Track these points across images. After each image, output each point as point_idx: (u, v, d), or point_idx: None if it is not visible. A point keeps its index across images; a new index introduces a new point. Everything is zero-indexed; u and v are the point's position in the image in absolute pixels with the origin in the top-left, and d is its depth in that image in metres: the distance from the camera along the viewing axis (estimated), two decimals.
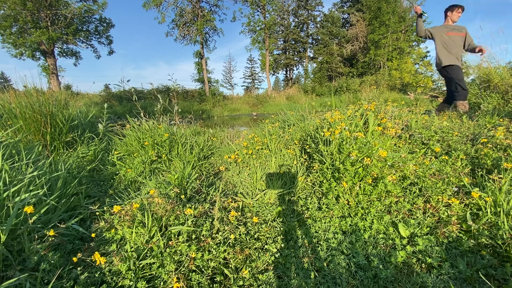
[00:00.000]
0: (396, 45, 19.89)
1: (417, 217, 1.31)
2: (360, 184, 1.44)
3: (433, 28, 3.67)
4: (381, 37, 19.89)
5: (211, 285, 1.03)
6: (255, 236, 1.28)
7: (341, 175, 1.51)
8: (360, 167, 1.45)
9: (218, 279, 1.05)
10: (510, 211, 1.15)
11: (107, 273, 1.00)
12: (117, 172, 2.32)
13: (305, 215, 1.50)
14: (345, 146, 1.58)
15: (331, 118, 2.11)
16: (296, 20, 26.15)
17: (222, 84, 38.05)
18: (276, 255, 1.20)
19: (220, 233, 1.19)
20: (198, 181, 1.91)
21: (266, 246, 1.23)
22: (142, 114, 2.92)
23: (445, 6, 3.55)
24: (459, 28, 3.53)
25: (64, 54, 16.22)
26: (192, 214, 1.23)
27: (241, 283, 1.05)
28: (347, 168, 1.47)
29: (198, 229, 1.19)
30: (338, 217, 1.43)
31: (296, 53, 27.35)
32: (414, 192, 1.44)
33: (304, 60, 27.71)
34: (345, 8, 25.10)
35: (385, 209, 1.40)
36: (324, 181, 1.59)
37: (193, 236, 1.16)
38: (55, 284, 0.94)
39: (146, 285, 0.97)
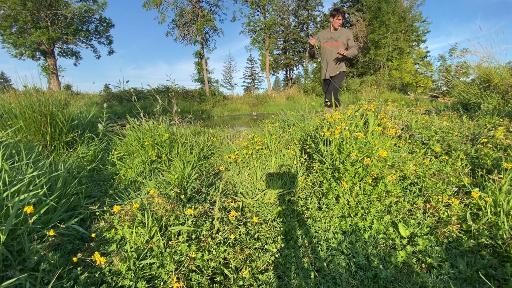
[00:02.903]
0: (396, 45, 19.89)
1: (417, 217, 1.31)
2: (360, 184, 1.44)
3: (317, 36, 3.52)
4: (381, 37, 19.88)
5: (211, 285, 1.03)
6: (255, 236, 1.28)
7: (341, 175, 1.51)
8: (360, 167, 1.45)
9: (218, 279, 1.05)
10: (510, 211, 1.15)
11: (107, 273, 1.00)
12: (117, 172, 2.32)
13: (305, 215, 1.50)
14: (345, 146, 1.58)
15: (331, 118, 2.11)
16: (296, 20, 26.15)
17: (222, 84, 38.09)
18: (276, 255, 1.20)
19: (220, 233, 1.19)
20: (198, 181, 1.91)
21: (266, 246, 1.23)
22: (142, 114, 2.92)
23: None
24: (336, 37, 3.35)
25: (64, 54, 16.23)
26: (192, 214, 1.23)
27: (241, 283, 1.05)
28: (347, 168, 1.47)
29: (198, 229, 1.19)
30: (338, 217, 1.43)
31: (296, 53, 27.34)
32: (414, 192, 1.44)
33: (304, 60, 27.70)
34: (345, 8, 25.08)
35: (385, 209, 1.40)
36: (324, 181, 1.59)
37: (193, 236, 1.16)
38: (55, 284, 0.94)
39: (146, 285, 0.97)
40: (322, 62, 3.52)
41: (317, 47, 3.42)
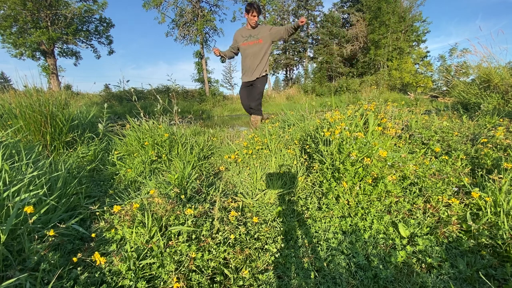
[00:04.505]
0: (396, 45, 19.90)
1: (417, 217, 1.31)
2: (360, 184, 1.44)
3: (234, 35, 3.20)
4: (381, 37, 19.90)
5: (211, 285, 1.03)
6: (255, 236, 1.28)
7: (341, 175, 1.51)
8: (360, 167, 1.45)
9: (218, 279, 1.05)
10: (510, 211, 1.15)
11: (107, 273, 1.00)
12: (117, 172, 2.32)
13: (305, 215, 1.50)
14: (345, 146, 1.58)
15: (331, 118, 2.11)
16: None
17: (222, 84, 38.01)
18: (276, 255, 1.20)
19: (220, 233, 1.19)
20: (198, 181, 1.91)
21: (266, 246, 1.23)
22: (142, 114, 2.92)
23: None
24: (255, 34, 3.01)
25: (64, 54, 16.24)
26: (192, 214, 1.23)
27: (241, 283, 1.05)
28: (347, 168, 1.47)
29: (198, 229, 1.19)
30: (338, 217, 1.43)
31: (296, 53, 27.34)
32: (414, 192, 1.44)
33: (304, 60, 27.72)
34: (345, 8, 25.11)
35: (385, 209, 1.40)
36: (324, 181, 1.59)
37: (193, 236, 1.16)
38: (55, 284, 0.94)
39: (146, 285, 0.97)
40: (244, 62, 3.16)
41: (222, 57, 3.17)
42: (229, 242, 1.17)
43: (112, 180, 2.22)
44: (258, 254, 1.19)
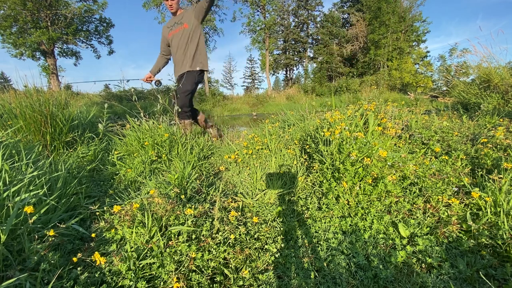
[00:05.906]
0: (396, 45, 19.91)
1: (417, 217, 1.31)
2: (360, 184, 1.44)
3: (162, 31, 2.88)
4: (381, 37, 19.90)
5: (211, 285, 1.03)
6: (255, 236, 1.28)
7: (341, 175, 1.51)
8: (360, 167, 1.45)
9: (218, 279, 1.05)
10: (510, 211, 1.15)
11: (107, 273, 1.00)
12: (117, 172, 2.32)
13: (305, 215, 1.50)
14: (345, 146, 1.58)
15: (331, 118, 2.11)
16: (296, 20, 26.17)
17: (222, 84, 38.08)
18: (276, 255, 1.20)
19: (220, 233, 1.19)
20: (198, 181, 1.91)
21: (266, 246, 1.23)
22: (142, 114, 2.91)
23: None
24: (179, 20, 2.69)
25: (64, 54, 16.26)
26: (192, 214, 1.23)
27: (241, 283, 1.05)
28: (347, 168, 1.47)
29: (198, 229, 1.19)
30: (338, 217, 1.43)
31: (296, 53, 27.36)
32: (414, 192, 1.44)
33: (304, 60, 27.73)
34: (345, 8, 25.13)
35: (385, 209, 1.40)
36: (324, 181, 1.59)
37: (193, 236, 1.16)
38: (55, 284, 0.94)
39: (146, 285, 0.97)
40: (174, 57, 2.85)
41: (157, 81, 2.96)
42: (229, 242, 1.17)
43: (112, 180, 2.22)
44: (258, 254, 1.19)
